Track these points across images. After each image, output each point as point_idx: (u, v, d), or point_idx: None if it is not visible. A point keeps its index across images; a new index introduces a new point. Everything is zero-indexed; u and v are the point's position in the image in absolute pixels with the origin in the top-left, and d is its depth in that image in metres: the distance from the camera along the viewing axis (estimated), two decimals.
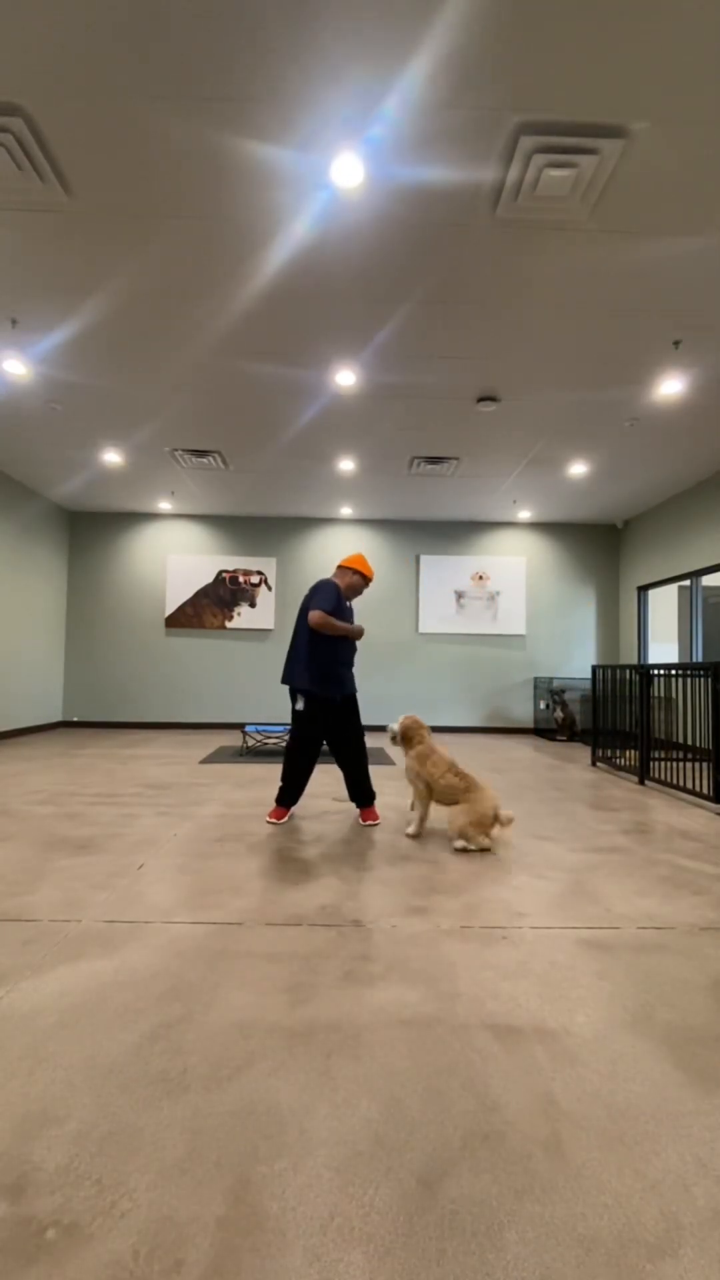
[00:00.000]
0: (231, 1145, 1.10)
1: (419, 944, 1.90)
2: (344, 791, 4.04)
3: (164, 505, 7.87)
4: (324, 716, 3.28)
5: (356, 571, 3.42)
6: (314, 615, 3.14)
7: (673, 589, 7.71)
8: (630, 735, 5.15)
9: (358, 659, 3.61)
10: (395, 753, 6.27)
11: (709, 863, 2.79)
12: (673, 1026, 1.48)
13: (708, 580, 6.85)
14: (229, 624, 8.19)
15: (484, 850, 2.88)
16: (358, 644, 3.35)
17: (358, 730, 3.38)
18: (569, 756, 6.33)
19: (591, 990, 1.64)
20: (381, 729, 8.12)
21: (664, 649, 7.95)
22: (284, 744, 3.48)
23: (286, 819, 3.38)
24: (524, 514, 7.99)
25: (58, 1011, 1.50)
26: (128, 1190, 1.00)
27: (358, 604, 7.87)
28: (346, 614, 3.38)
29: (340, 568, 3.46)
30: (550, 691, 8.01)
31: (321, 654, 3.21)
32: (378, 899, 2.27)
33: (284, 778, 3.35)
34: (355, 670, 3.50)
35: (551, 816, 3.63)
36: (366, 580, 3.47)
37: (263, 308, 3.55)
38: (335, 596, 3.26)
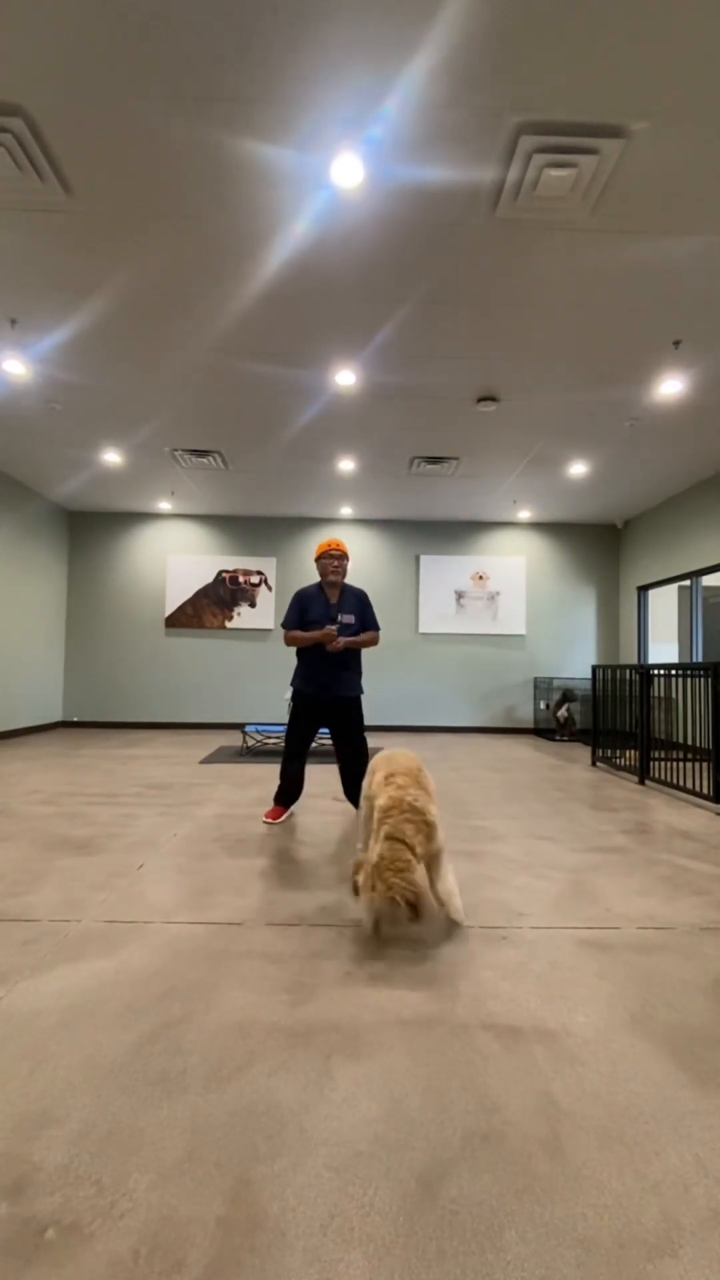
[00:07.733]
0: (231, 1145, 1.10)
1: (419, 944, 1.89)
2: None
3: (164, 505, 7.87)
4: (311, 713, 3.35)
5: (317, 559, 3.46)
6: (284, 637, 3.41)
7: (673, 589, 7.70)
8: (630, 735, 5.15)
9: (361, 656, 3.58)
10: None
11: (709, 863, 2.78)
12: (673, 1026, 1.48)
13: (708, 580, 6.84)
14: (229, 624, 8.19)
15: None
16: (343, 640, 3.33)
17: (359, 732, 3.39)
18: (569, 756, 6.33)
19: (591, 990, 1.64)
20: (382, 730, 8.11)
21: (664, 649, 7.94)
22: (283, 744, 3.52)
23: (284, 818, 3.38)
24: (524, 514, 7.98)
25: (58, 1011, 1.50)
26: (128, 1190, 1.00)
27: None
28: (319, 610, 3.37)
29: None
30: (551, 691, 8.01)
31: (304, 654, 3.41)
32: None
33: (280, 775, 3.42)
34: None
35: (551, 816, 3.63)
36: (333, 558, 3.38)
37: (263, 307, 3.55)
38: (297, 606, 3.40)
